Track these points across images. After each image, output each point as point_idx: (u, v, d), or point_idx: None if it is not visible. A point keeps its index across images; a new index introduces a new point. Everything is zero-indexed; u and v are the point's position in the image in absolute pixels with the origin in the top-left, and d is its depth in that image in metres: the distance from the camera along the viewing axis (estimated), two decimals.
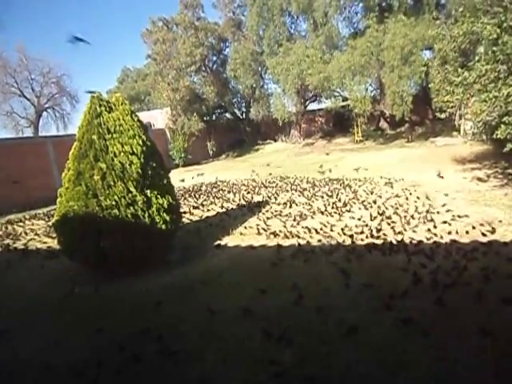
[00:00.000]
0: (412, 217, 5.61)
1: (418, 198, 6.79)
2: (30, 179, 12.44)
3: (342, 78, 16.63)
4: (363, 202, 6.92)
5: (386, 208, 6.28)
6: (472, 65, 6.91)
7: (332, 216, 6.22)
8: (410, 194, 7.21)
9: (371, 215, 5.90)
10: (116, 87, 34.51)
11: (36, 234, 7.59)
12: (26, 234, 7.80)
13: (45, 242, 6.82)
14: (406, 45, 14.59)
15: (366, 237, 4.93)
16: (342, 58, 16.80)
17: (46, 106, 32.15)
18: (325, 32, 18.12)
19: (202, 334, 2.96)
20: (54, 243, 5.94)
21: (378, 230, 5.10)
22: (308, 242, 5.03)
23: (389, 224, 5.37)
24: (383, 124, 21.35)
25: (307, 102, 23.55)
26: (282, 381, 2.29)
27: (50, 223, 7.36)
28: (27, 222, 9.28)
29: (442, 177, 8.40)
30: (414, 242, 4.53)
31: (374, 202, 6.79)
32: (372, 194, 7.58)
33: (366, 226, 5.43)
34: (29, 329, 3.46)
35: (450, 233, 4.71)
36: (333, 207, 6.78)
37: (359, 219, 5.81)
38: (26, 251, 6.37)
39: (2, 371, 2.77)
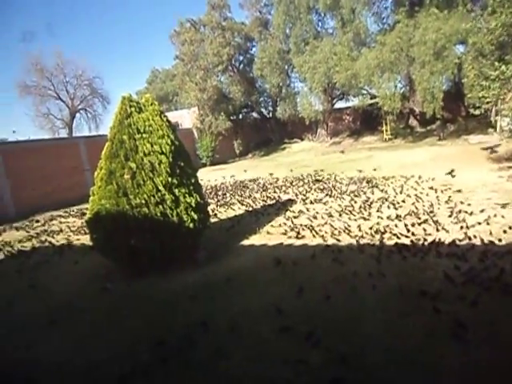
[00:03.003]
0: (443, 216, 5.44)
1: (449, 197, 6.57)
2: (64, 178, 12.92)
3: (370, 75, 16.32)
4: (392, 201, 6.77)
5: (416, 208, 6.12)
6: (510, 58, 6.61)
7: (360, 215, 6.12)
8: (442, 192, 6.99)
9: (400, 215, 5.77)
10: (145, 88, 35.29)
11: (71, 231, 7.89)
12: (61, 230, 8.12)
13: (78, 239, 7.07)
14: (439, 39, 14.12)
15: (396, 236, 4.82)
16: (370, 54, 16.48)
17: (80, 107, 33.31)
18: (352, 29, 17.84)
19: (230, 331, 2.98)
20: (87, 240, 6.15)
21: (408, 230, 4.98)
22: (336, 241, 4.98)
23: (419, 224, 5.23)
24: (413, 122, 20.79)
25: (334, 101, 23.28)
26: (309, 380, 2.28)
27: (84, 220, 7.63)
28: (62, 219, 9.66)
29: (454, 175, 8.13)
30: (446, 242, 4.39)
31: (404, 202, 6.63)
32: (401, 193, 7.40)
33: (395, 225, 5.31)
34: (69, 321, 3.60)
35: (484, 234, 4.54)
36: (360, 206, 6.67)
37: (388, 218, 5.69)
38: (62, 247, 6.62)
39: (50, 362, 2.88)
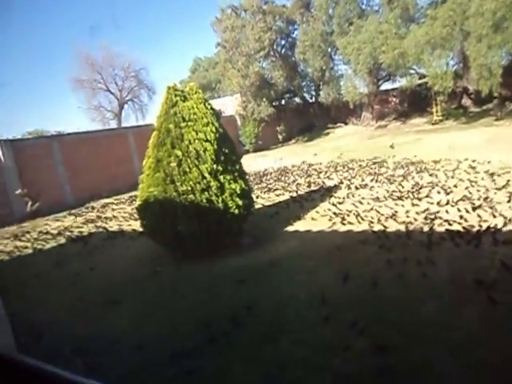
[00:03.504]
0: (501, 202, 5.11)
1: (508, 181, 6.14)
2: (114, 167, 13.55)
3: (419, 53, 15.42)
4: (443, 186, 6.45)
5: (470, 193, 5.78)
6: None
7: (408, 200, 5.90)
8: (499, 176, 6.54)
9: (452, 200, 5.49)
10: (188, 77, 35.82)
11: (122, 217, 8.30)
12: (114, 217, 8.56)
13: (130, 225, 7.42)
14: (498, 9, 12.96)
15: (448, 223, 4.59)
16: (419, 31, 15.56)
17: (127, 98, 34.52)
18: (400, 4, 16.88)
19: (276, 316, 3.03)
20: (137, 226, 6.45)
21: (461, 216, 4.73)
22: (382, 227, 4.84)
23: (473, 209, 4.95)
24: (466, 101, 19.51)
25: (380, 82, 22.32)
26: (355, 368, 2.27)
27: (133, 207, 7.99)
28: (114, 206, 10.18)
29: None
30: (504, 229, 4.12)
31: (456, 186, 6.30)
32: (453, 177, 7.02)
33: (446, 211, 5.07)
34: (124, 301, 3.83)
35: None
36: (408, 191, 6.43)
37: (438, 204, 5.44)
38: (115, 232, 7.00)
39: (107, 338, 3.10)
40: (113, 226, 7.62)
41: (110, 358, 2.75)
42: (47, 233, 7.94)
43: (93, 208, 10.42)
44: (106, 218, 8.61)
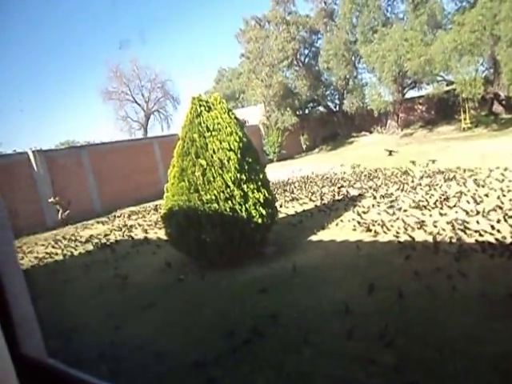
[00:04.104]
0: None
1: None
2: (140, 176, 13.84)
3: (446, 59, 15.12)
4: (473, 195, 6.25)
5: (502, 202, 5.57)
6: None
7: (435, 210, 5.74)
8: None
9: (483, 210, 5.30)
10: (213, 87, 36.40)
11: (148, 226, 8.44)
12: (139, 225, 8.73)
13: (155, 233, 7.54)
14: None
15: (478, 233, 4.43)
16: (446, 37, 15.27)
17: (153, 109, 35.40)
18: (426, 10, 16.66)
19: (299, 327, 2.99)
20: (162, 234, 6.54)
21: (493, 227, 4.55)
22: (409, 237, 4.72)
23: (505, 220, 4.76)
24: (497, 108, 18.91)
25: (405, 90, 21.96)
26: (382, 382, 2.20)
27: (158, 216, 8.12)
28: (140, 214, 10.38)
29: None
30: None
31: (487, 196, 6.08)
32: (483, 186, 6.79)
33: (477, 221, 4.89)
34: (149, 309, 3.88)
35: None
36: (436, 201, 6.25)
37: (468, 214, 5.26)
38: (140, 240, 7.12)
39: (132, 344, 3.14)
40: (138, 234, 7.76)
41: (133, 365, 2.78)
42: (76, 240, 8.17)
43: (119, 216, 10.67)
44: (131, 226, 8.79)
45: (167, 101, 35.68)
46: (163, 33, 51.46)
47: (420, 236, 4.73)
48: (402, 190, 7.59)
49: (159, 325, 3.45)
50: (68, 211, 10.87)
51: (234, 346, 2.76)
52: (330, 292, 3.54)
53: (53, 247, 7.85)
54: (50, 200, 10.87)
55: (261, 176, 5.05)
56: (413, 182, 8.32)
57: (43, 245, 8.26)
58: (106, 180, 12.92)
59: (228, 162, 4.69)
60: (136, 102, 34.13)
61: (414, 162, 10.84)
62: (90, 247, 7.35)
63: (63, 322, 3.75)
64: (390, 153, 13.49)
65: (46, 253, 7.41)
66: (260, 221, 4.76)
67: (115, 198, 12.62)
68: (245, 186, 4.73)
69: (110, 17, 45.69)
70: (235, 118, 5.08)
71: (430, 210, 5.82)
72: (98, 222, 10.22)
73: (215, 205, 4.58)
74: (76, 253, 7.12)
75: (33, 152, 11.50)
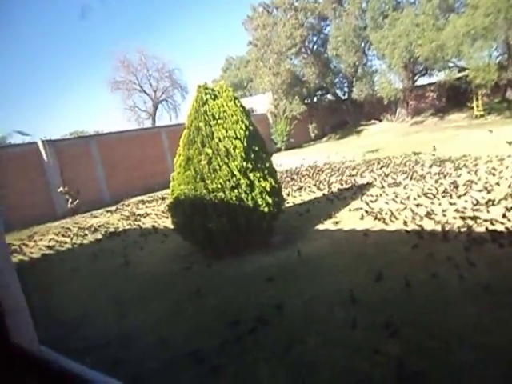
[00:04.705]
0: None
1: None
2: (148, 165, 13.89)
3: (458, 45, 14.79)
4: (484, 184, 6.13)
5: None
6: None
7: (445, 199, 5.65)
8: None
9: (494, 199, 5.20)
10: (220, 76, 36.18)
11: (155, 215, 8.49)
12: (147, 214, 8.78)
13: (163, 222, 7.58)
14: None
15: (489, 222, 4.35)
16: (459, 21, 14.89)
17: (161, 98, 35.31)
18: None
19: (304, 316, 2.98)
20: (169, 223, 6.58)
21: (504, 215, 4.47)
22: (417, 226, 4.66)
23: None
24: (511, 94, 18.48)
25: (416, 77, 21.59)
26: (387, 372, 2.19)
27: (165, 205, 8.15)
28: (148, 204, 10.44)
29: None
30: None
31: (498, 184, 5.96)
32: (494, 175, 6.66)
33: (487, 210, 4.81)
34: (155, 297, 3.91)
35: None
36: (445, 190, 6.16)
37: (478, 203, 5.17)
38: (148, 229, 7.17)
39: (136, 333, 3.17)
40: (146, 223, 7.81)
41: (137, 353, 2.81)
42: (85, 229, 8.26)
43: (127, 205, 10.75)
44: (139, 215, 8.85)
45: (175, 90, 35.55)
46: (169, 21, 51.12)
47: (428, 225, 4.66)
48: (411, 179, 7.49)
49: (164, 313, 3.47)
50: (77, 201, 10.98)
51: (239, 335, 2.76)
52: (336, 281, 3.52)
53: (62, 236, 7.95)
54: (59, 190, 10.98)
55: (267, 164, 5.01)
56: (422, 170, 8.20)
57: (54, 233, 8.37)
58: (115, 169, 12.99)
59: (234, 150, 4.66)
60: (144, 91, 34.08)
61: (423, 151, 10.68)
62: (98, 236, 7.43)
63: (70, 311, 3.81)
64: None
65: (56, 241, 7.52)
66: (266, 209, 4.73)
67: (123, 187, 12.71)
68: (251, 175, 4.70)
69: (116, 5, 45.33)
70: (241, 106, 5.02)
71: (438, 199, 5.73)
72: (106, 212, 10.31)
73: (221, 193, 4.57)
74: (85, 241, 7.20)
75: (42, 142, 11.59)
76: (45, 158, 11.48)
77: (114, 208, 10.67)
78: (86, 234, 7.73)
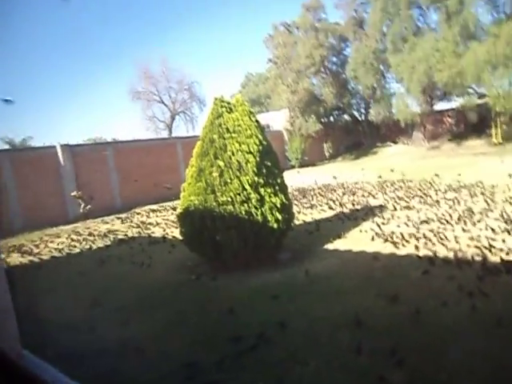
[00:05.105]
0: None
1: None
2: (161, 175, 13.99)
3: (479, 71, 14.70)
4: (501, 212, 5.98)
5: None
6: None
7: (459, 226, 5.52)
8: None
9: (510, 229, 5.05)
10: (239, 91, 36.66)
11: (165, 224, 8.51)
12: (157, 223, 8.81)
13: (172, 232, 7.58)
14: None
15: (505, 253, 4.21)
16: (479, 49, 14.85)
17: (179, 110, 35.87)
18: (460, 21, 16.24)
19: (307, 337, 2.90)
20: (178, 233, 6.57)
21: None
22: (429, 251, 4.55)
23: None
24: None
25: (434, 102, 21.47)
26: None
27: (175, 215, 8.17)
28: (158, 213, 10.49)
29: None
30: None
31: None
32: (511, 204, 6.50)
33: (503, 240, 4.66)
34: (157, 307, 3.87)
35: None
36: (460, 216, 6.02)
37: (494, 231, 5.03)
38: (157, 238, 7.17)
39: (136, 343, 3.13)
40: (155, 232, 7.83)
41: (131, 364, 2.76)
42: (95, 234, 8.31)
43: (138, 213, 10.80)
44: (149, 223, 8.87)
45: (193, 102, 36.10)
46: (191, 36, 52.34)
47: (441, 251, 4.54)
48: (425, 203, 7.36)
49: (165, 323, 3.42)
50: (89, 206, 11.10)
51: (240, 351, 2.69)
52: (343, 302, 3.43)
53: (72, 240, 8.01)
54: (72, 194, 11.14)
55: (279, 181, 4.98)
56: (436, 195, 8.07)
57: (64, 237, 8.44)
58: (128, 177, 13.14)
59: (246, 164, 4.65)
60: (163, 102, 34.70)
61: (438, 175, 10.53)
62: (107, 242, 7.45)
63: (73, 315, 3.79)
64: None
65: (66, 245, 7.57)
66: (275, 226, 4.69)
67: (136, 195, 12.82)
68: (262, 190, 4.68)
69: (133, 13, 46.42)
70: (256, 120, 5.04)
71: (452, 225, 5.60)
72: (117, 218, 10.38)
73: (231, 207, 4.55)
74: (94, 246, 7.24)
75: (61, 146, 11.83)
76: (62, 162, 11.69)
77: (124, 215, 10.73)
78: (96, 240, 7.77)
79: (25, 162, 10.98)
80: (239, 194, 4.57)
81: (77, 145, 13.43)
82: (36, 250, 7.39)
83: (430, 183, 9.70)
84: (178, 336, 3.14)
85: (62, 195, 11.46)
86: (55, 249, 7.35)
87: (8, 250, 7.51)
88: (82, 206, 11.13)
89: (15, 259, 6.86)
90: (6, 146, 19.24)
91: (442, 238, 4.98)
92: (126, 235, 7.87)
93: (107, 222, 9.95)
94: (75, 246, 7.39)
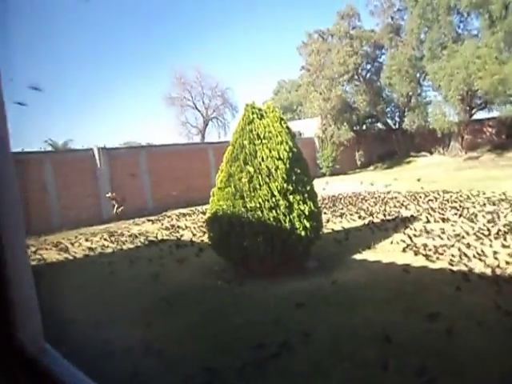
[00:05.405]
0: None
1: None
2: (193, 179, 14.22)
3: None
4: None
5: None
6: None
7: (498, 241, 5.25)
8: None
9: None
10: (271, 98, 36.81)
11: (194, 228, 8.62)
12: (187, 227, 8.93)
13: (200, 236, 7.66)
14: None
15: None
16: None
17: (212, 116, 36.46)
18: (504, 27, 15.59)
19: (332, 347, 2.83)
20: (206, 237, 6.62)
21: None
22: (463, 267, 4.35)
23: None
24: None
25: (473, 111, 20.67)
26: None
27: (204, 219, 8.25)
28: (188, 217, 10.65)
29: None
30: None
31: None
32: None
33: None
34: (182, 310, 3.91)
35: None
36: (499, 231, 5.73)
37: None
38: (185, 242, 7.27)
39: (159, 344, 3.17)
40: (184, 235, 7.94)
41: (150, 365, 2.78)
42: (127, 235, 8.54)
43: (169, 216, 11.01)
44: (179, 226, 9.02)
45: (226, 109, 36.58)
46: (225, 42, 53.10)
47: (477, 267, 4.34)
48: (461, 216, 7.07)
49: (188, 326, 3.44)
50: (122, 207, 11.43)
51: (261, 359, 2.67)
52: (370, 315, 3.34)
53: (105, 240, 8.26)
54: (107, 195, 11.52)
55: (308, 188, 4.94)
56: (474, 207, 7.74)
57: (98, 236, 8.72)
58: (160, 180, 13.43)
59: (276, 170, 4.64)
60: (196, 108, 35.37)
61: (476, 187, 10.09)
62: (138, 243, 7.63)
63: (98, 313, 3.88)
64: None
65: (99, 244, 7.82)
66: (303, 233, 4.64)
67: (167, 198, 13.08)
68: (291, 197, 4.65)
69: (167, 19, 47.46)
70: (287, 127, 5.03)
71: (490, 240, 5.34)
72: (148, 220, 10.62)
73: (259, 213, 4.54)
74: (125, 247, 7.43)
75: (98, 149, 12.29)
76: (98, 164, 12.13)
77: (155, 218, 10.97)
78: (127, 240, 7.97)
79: (64, 164, 11.49)
80: (268, 201, 4.56)
81: (113, 148, 13.91)
82: (71, 248, 7.67)
83: (467, 195, 9.32)
84: (200, 340, 3.16)
85: (98, 196, 11.87)
86: (89, 248, 7.61)
87: (46, 247, 7.85)
88: (116, 207, 11.48)
89: (52, 256, 7.16)
90: (49, 149, 20.17)
91: (478, 253, 4.76)
92: (155, 237, 8.03)
93: (138, 224, 10.21)
94: (107, 246, 7.62)
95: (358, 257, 5.21)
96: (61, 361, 0.65)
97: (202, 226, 8.56)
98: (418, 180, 13.19)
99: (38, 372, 0.63)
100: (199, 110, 35.60)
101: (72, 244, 8.09)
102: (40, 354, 0.64)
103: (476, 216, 6.95)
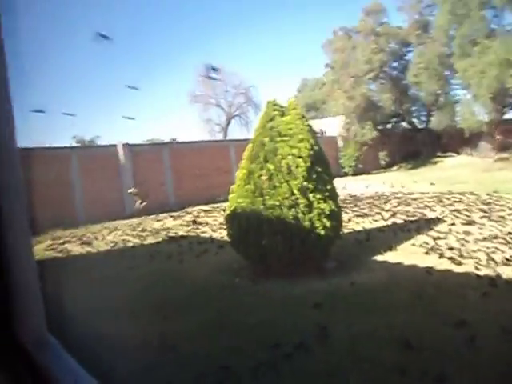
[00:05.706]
0: None
1: None
2: (214, 176, 14.30)
3: None
4: None
5: None
6: None
7: None
8: None
9: None
10: (295, 96, 36.56)
11: (215, 225, 8.66)
12: (207, 223, 8.99)
13: (220, 233, 7.69)
14: None
15: None
16: None
17: (235, 113, 36.58)
18: None
19: (349, 349, 2.77)
20: (225, 234, 6.64)
21: None
22: (491, 272, 4.18)
23: None
24: None
25: (505, 110, 19.89)
26: None
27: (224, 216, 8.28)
28: (209, 213, 10.70)
29: None
30: None
31: None
32: None
33: None
34: (198, 307, 3.93)
35: None
36: None
37: None
38: (205, 238, 7.32)
39: (172, 340, 3.19)
40: (204, 232, 7.99)
41: (164, 361, 2.79)
42: (148, 230, 8.67)
43: (190, 213, 11.10)
44: (199, 223, 9.08)
45: (249, 106, 36.61)
46: (249, 36, 53.00)
47: (505, 272, 4.16)
48: (489, 219, 6.81)
49: (204, 323, 3.44)
50: (145, 202, 11.62)
51: (276, 359, 2.64)
52: (390, 318, 3.25)
53: (127, 234, 8.41)
54: (130, 190, 11.73)
55: (328, 187, 4.86)
56: (503, 210, 7.44)
57: (121, 231, 8.90)
58: (182, 177, 13.58)
59: (296, 168, 4.59)
60: (220, 105, 35.57)
61: (506, 190, 9.71)
62: (158, 239, 7.74)
63: (114, 306, 3.92)
64: None
65: (121, 239, 7.97)
66: (323, 233, 4.56)
67: (188, 194, 13.21)
68: (311, 195, 4.59)
69: (192, 16, 47.66)
70: (308, 125, 4.97)
71: None
72: (169, 216, 10.74)
73: (278, 211, 4.50)
74: (145, 242, 7.55)
75: (122, 145, 12.53)
76: (122, 160, 12.37)
77: (177, 214, 11.08)
78: (148, 236, 8.09)
79: (89, 159, 11.78)
80: (287, 199, 4.51)
81: (136, 144, 14.13)
82: (95, 242, 7.86)
83: (496, 197, 8.97)
84: (215, 337, 3.15)
85: (121, 192, 12.11)
86: (111, 241, 7.77)
87: (71, 240, 8.07)
88: (138, 202, 11.68)
89: (76, 249, 7.35)
90: (77, 144, 20.77)
91: (507, 259, 4.56)
92: (176, 233, 8.12)
93: (160, 220, 10.34)
94: (129, 241, 7.76)
95: (378, 258, 5.09)
96: (63, 356, 0.64)
97: (221, 223, 8.58)
98: (444, 181, 12.81)
99: (39, 366, 0.62)
100: (222, 108, 35.80)
101: (95, 238, 8.28)
102: (41, 348, 0.64)
103: (505, 219, 6.68)
